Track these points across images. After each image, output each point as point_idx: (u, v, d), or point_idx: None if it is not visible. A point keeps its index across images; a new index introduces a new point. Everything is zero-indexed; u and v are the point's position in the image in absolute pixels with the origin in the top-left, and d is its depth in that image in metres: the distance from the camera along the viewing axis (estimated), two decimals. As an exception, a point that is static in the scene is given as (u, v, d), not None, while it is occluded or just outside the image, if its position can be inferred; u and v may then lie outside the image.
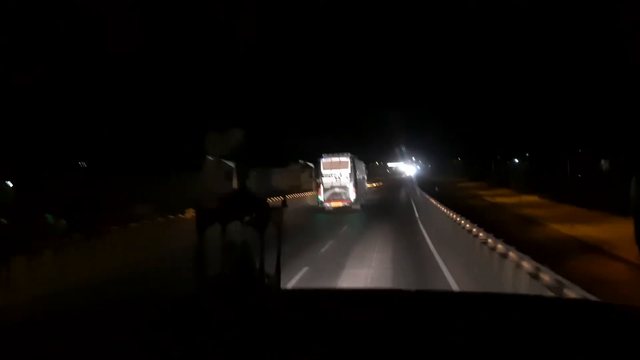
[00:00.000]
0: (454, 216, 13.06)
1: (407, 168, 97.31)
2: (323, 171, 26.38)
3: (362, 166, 31.51)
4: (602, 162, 24.51)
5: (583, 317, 1.71)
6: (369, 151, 69.15)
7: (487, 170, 57.24)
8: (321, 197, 26.13)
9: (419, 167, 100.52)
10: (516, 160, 53.27)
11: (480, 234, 9.30)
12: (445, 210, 15.11)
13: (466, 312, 1.78)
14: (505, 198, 32.91)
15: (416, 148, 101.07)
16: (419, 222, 20.67)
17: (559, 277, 5.10)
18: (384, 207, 30.34)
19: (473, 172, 67.32)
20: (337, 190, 25.84)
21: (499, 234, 8.70)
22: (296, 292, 2.32)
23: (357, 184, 26.51)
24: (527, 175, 37.66)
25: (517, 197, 31.21)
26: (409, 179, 73.68)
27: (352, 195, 25.92)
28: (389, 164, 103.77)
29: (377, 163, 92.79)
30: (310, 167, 45.80)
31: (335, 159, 26.53)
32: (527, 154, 46.61)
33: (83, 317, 1.85)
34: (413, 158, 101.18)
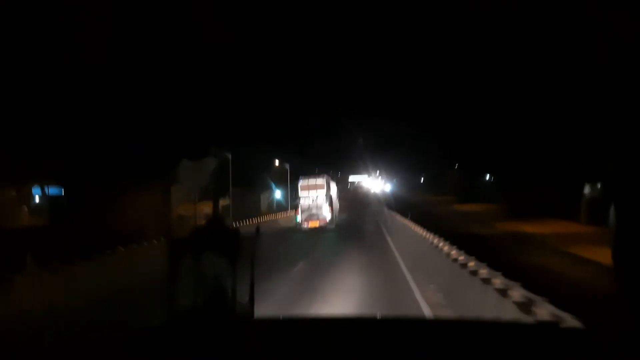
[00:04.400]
0: None
1: (373, 183, 79.97)
2: (300, 193, 27.65)
3: (335, 187, 33.32)
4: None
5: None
6: (324, 160, 54.82)
7: (486, 187, 44.92)
8: (299, 218, 27.27)
9: (388, 183, 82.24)
10: (487, 176, 51.05)
11: None
12: None
13: (441, 339, 1.80)
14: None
15: (380, 160, 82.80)
16: None
17: None
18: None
19: (459, 188, 53.57)
20: (314, 211, 27.05)
21: None
22: (269, 321, 2.34)
23: (332, 205, 27.84)
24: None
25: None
26: (376, 199, 56.69)
27: (328, 216, 27.17)
28: (351, 178, 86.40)
29: (330, 172, 73.45)
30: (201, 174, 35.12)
31: (312, 181, 28.13)
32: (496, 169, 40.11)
33: (52, 350, 1.82)
34: (378, 172, 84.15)
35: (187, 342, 1.77)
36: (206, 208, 31.47)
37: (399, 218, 22.21)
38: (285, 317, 4.75)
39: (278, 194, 43.89)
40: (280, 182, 42.63)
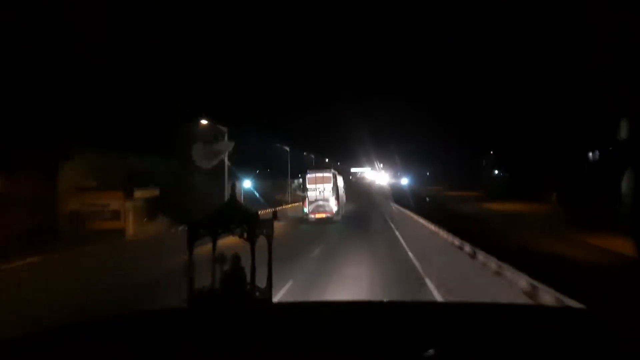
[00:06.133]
0: None
1: (377, 175, 71.03)
2: (308, 185, 28.66)
3: (341, 180, 34.44)
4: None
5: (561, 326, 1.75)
6: (323, 147, 52.38)
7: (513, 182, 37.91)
8: (306, 209, 28.25)
9: (400, 174, 72.20)
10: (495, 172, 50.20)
11: None
12: None
13: (450, 322, 1.80)
14: None
15: (384, 151, 75.42)
16: None
17: None
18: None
19: (488, 183, 45.13)
20: (320, 203, 28.01)
21: None
22: (287, 305, 2.33)
23: (338, 197, 28.86)
24: None
25: None
26: (382, 194, 46.59)
27: (334, 208, 28.14)
28: (353, 169, 78.75)
29: (326, 160, 60.76)
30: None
31: (319, 175, 29.18)
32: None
33: (72, 330, 1.82)
34: (381, 164, 75.59)
35: (207, 325, 1.76)
36: (114, 201, 20.05)
37: (423, 224, 15.26)
38: (302, 301, 4.77)
39: (248, 184, 32.38)
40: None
